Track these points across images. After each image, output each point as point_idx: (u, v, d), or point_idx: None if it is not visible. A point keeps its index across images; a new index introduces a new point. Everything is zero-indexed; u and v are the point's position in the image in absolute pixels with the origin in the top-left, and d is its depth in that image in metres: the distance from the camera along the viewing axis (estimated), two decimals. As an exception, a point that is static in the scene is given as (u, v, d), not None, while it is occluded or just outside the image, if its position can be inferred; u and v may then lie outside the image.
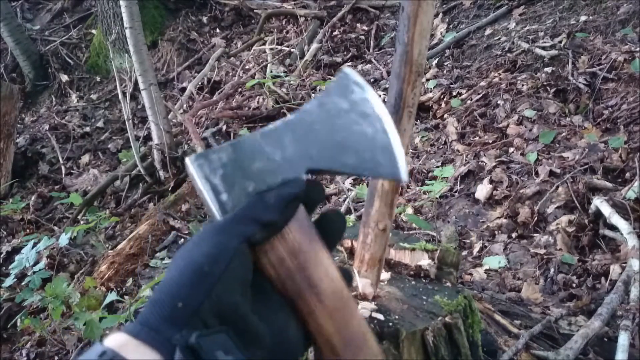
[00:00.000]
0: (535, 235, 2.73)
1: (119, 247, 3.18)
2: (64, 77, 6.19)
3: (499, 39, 4.45)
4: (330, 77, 4.81)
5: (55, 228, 3.90)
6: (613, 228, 2.50)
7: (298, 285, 0.54)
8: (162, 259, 2.95)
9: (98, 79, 6.21)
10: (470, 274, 2.54)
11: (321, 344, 0.55)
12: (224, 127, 4.55)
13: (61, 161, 4.83)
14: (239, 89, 4.93)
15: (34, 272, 2.38)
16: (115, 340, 0.48)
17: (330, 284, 0.55)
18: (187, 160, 0.57)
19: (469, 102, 3.85)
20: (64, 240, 2.63)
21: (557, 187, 2.86)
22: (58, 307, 2.16)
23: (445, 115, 3.88)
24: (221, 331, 0.48)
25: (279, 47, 5.50)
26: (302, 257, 0.54)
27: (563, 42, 3.94)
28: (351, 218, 2.06)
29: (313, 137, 0.58)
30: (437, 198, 3.08)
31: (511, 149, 3.31)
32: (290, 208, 0.55)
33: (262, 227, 0.52)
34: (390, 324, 1.14)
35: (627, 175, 2.83)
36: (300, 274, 0.54)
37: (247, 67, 5.36)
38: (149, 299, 0.51)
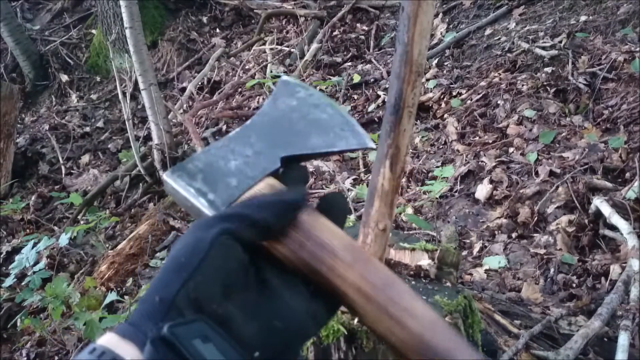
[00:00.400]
0: (535, 235, 2.73)
1: (119, 247, 3.18)
2: (64, 77, 6.19)
3: (499, 39, 4.45)
4: (330, 77, 4.80)
5: (55, 228, 3.90)
6: (613, 228, 2.50)
7: (310, 251, 0.55)
8: (162, 259, 2.95)
9: (98, 79, 6.20)
10: (470, 274, 2.54)
11: (353, 297, 0.55)
12: (224, 127, 4.55)
13: (61, 161, 4.83)
14: (239, 89, 4.93)
15: (34, 272, 2.38)
16: (104, 338, 0.48)
17: (340, 241, 0.56)
18: (165, 176, 0.59)
19: (469, 102, 3.85)
20: (64, 240, 2.63)
21: (557, 187, 2.86)
22: (58, 307, 2.16)
23: (445, 115, 3.88)
24: (198, 320, 0.47)
25: (279, 47, 5.50)
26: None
27: (563, 42, 3.94)
28: (351, 218, 2.06)
29: (276, 131, 0.63)
30: (437, 198, 3.07)
31: (511, 149, 3.31)
32: (289, 214, 0.55)
33: (251, 225, 0.53)
34: (390, 324, 1.14)
35: (627, 175, 2.83)
36: (309, 242, 0.55)
37: (247, 67, 5.36)
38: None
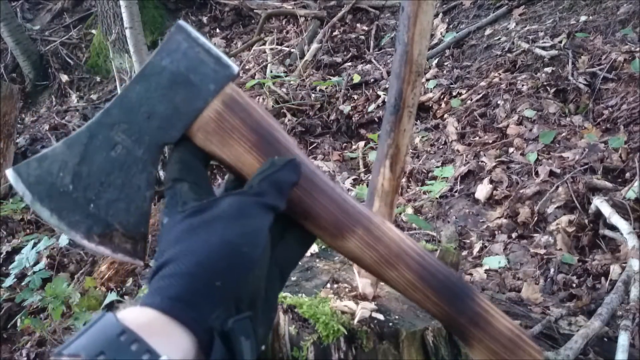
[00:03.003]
0: (535, 235, 2.73)
1: (119, 247, 3.16)
2: (64, 77, 6.19)
3: (499, 39, 4.45)
4: (330, 77, 4.80)
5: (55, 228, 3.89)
6: (613, 228, 2.50)
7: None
8: (162, 259, 2.94)
9: (98, 79, 6.20)
10: (470, 274, 2.54)
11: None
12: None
13: (61, 161, 4.82)
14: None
15: (34, 272, 2.38)
16: (136, 316, 0.43)
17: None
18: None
19: (469, 102, 3.85)
20: (64, 240, 2.63)
21: (557, 187, 2.86)
22: (58, 307, 2.16)
23: (445, 115, 3.88)
24: (247, 317, 0.48)
25: (279, 47, 5.50)
26: None
27: (563, 42, 3.94)
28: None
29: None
30: (437, 198, 3.07)
31: (511, 149, 3.31)
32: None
33: (275, 213, 0.56)
34: (390, 324, 1.14)
35: (627, 175, 2.83)
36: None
37: (247, 67, 5.36)
38: (164, 271, 0.47)
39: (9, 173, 0.61)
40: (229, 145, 0.61)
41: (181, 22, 0.63)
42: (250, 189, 0.56)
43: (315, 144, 4.08)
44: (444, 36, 4.87)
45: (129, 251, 0.62)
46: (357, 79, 4.57)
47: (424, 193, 3.13)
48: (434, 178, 3.11)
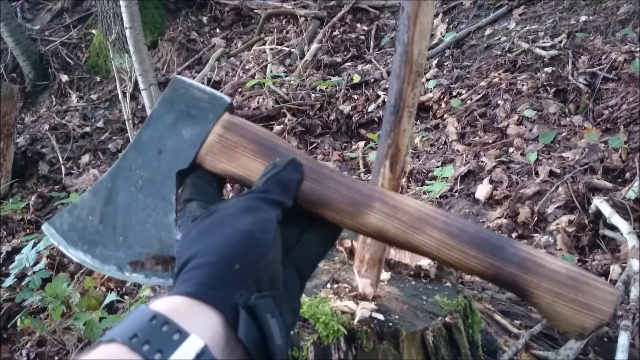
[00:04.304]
0: (535, 235, 2.73)
1: (119, 247, 3.16)
2: (64, 77, 6.19)
3: (499, 39, 4.45)
4: (330, 77, 4.80)
5: (55, 228, 3.89)
6: (613, 228, 2.50)
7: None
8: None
9: (98, 79, 6.20)
10: (470, 274, 2.53)
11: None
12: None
13: (61, 161, 4.83)
14: (239, 89, 4.93)
15: (34, 272, 2.38)
16: (166, 303, 0.47)
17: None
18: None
19: (469, 102, 3.85)
20: (64, 240, 2.62)
21: (557, 187, 2.86)
22: (58, 307, 2.16)
23: (445, 115, 3.88)
24: (269, 295, 0.51)
25: (279, 47, 5.50)
26: None
27: (563, 42, 3.94)
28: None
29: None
30: (437, 198, 3.07)
31: (511, 149, 3.31)
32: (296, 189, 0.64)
33: (283, 209, 0.60)
34: (390, 324, 1.14)
35: (627, 175, 2.83)
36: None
37: (247, 67, 5.36)
38: (186, 268, 0.51)
39: (45, 228, 0.69)
40: (235, 158, 0.68)
41: (176, 75, 0.74)
42: (256, 188, 0.60)
43: (315, 144, 4.08)
44: (444, 36, 4.87)
45: (161, 274, 0.66)
46: (357, 79, 4.57)
47: (424, 193, 3.13)
48: (434, 178, 3.11)
